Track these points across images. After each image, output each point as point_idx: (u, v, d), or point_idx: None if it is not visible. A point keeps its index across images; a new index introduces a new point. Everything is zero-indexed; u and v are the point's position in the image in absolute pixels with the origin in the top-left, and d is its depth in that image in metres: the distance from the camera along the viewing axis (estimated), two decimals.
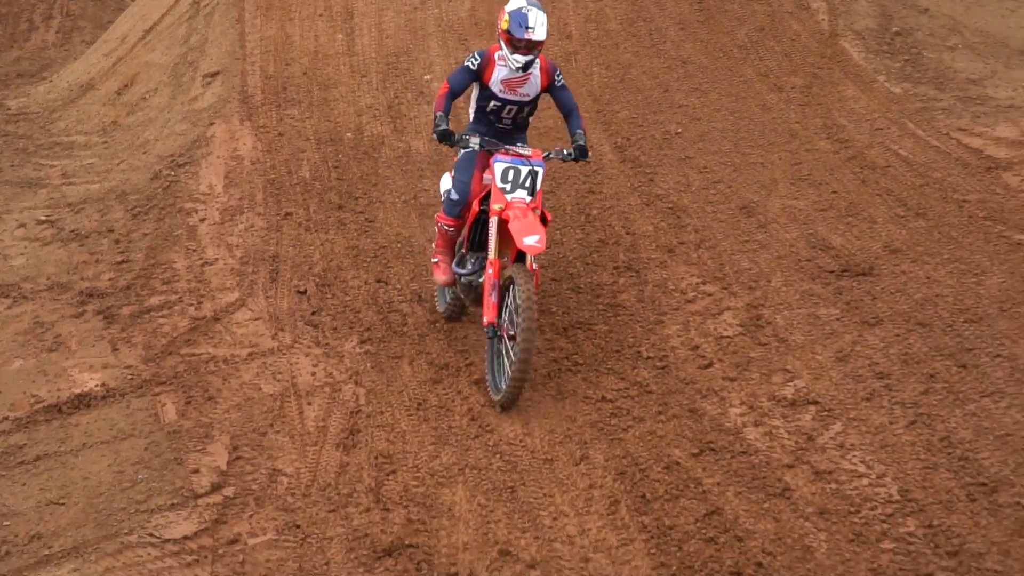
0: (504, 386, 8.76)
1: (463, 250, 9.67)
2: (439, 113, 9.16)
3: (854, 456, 8.05)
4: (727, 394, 8.82)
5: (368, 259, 10.68)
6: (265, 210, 11.35)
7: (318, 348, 9.54)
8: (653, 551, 7.41)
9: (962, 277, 9.83)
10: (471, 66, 9.29)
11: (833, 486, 7.81)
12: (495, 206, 9.08)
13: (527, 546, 7.53)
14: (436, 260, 9.71)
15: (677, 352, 9.34)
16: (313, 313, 9.95)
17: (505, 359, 8.84)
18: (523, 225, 8.83)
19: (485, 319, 9.02)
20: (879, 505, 7.61)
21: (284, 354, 9.44)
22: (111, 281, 10.33)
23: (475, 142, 9.23)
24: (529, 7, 9.14)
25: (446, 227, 9.53)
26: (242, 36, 14.17)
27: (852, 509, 7.60)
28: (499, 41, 9.30)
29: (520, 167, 9.11)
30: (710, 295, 9.95)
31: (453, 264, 9.64)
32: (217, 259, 10.59)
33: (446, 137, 9.11)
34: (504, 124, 9.54)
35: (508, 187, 9.08)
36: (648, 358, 9.29)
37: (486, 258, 9.26)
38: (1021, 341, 8.98)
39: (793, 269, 10.18)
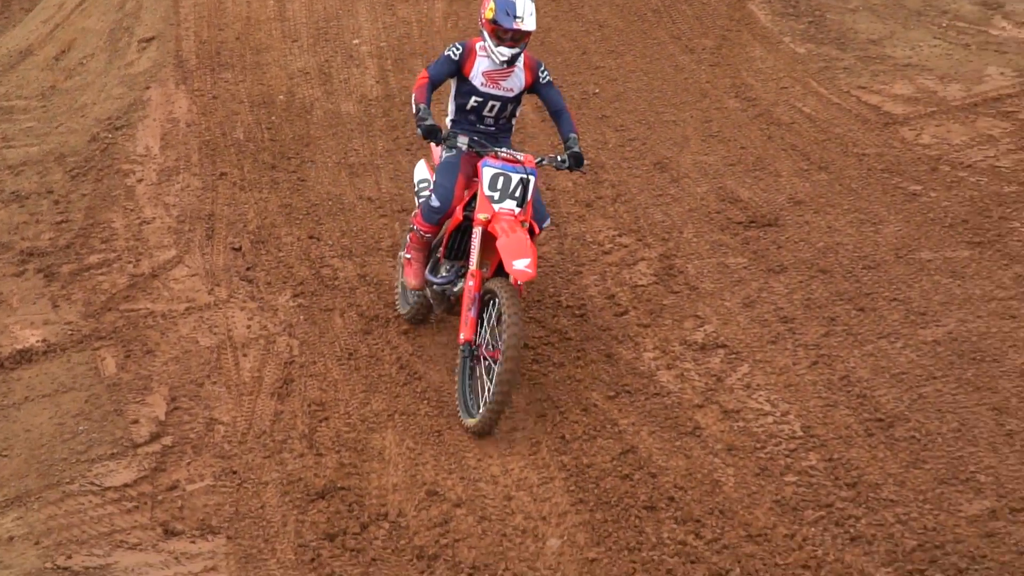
0: (481, 410, 7.82)
1: (438, 255, 8.59)
2: (422, 105, 8.05)
3: (760, 396, 8.13)
4: (641, 339, 8.86)
5: (301, 217, 10.56)
6: (201, 170, 11.18)
7: (253, 302, 9.44)
8: (572, 488, 7.45)
9: (861, 226, 9.92)
10: (453, 56, 8.25)
11: (740, 424, 7.89)
12: (480, 216, 7.99)
13: (453, 486, 7.54)
14: (408, 257, 8.65)
15: (595, 301, 9.36)
16: (248, 269, 9.84)
17: (480, 380, 7.96)
18: (512, 244, 7.76)
19: (462, 336, 8.03)
20: (783, 441, 7.70)
21: (220, 308, 9.33)
22: (51, 240, 10.14)
23: (463, 141, 8.18)
24: None
25: (422, 232, 8.47)
26: (176, 2, 13.90)
27: (758, 445, 7.69)
28: (481, 32, 8.29)
29: (511, 174, 8.05)
30: (626, 247, 9.97)
31: (426, 271, 8.64)
32: (154, 218, 10.43)
33: (432, 134, 8.02)
34: (487, 124, 8.48)
35: (496, 195, 8.00)
36: (567, 307, 9.30)
37: (463, 267, 8.35)
38: (916, 285, 9.10)
39: (704, 221, 10.22)
